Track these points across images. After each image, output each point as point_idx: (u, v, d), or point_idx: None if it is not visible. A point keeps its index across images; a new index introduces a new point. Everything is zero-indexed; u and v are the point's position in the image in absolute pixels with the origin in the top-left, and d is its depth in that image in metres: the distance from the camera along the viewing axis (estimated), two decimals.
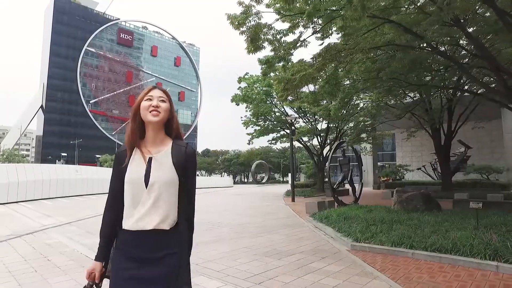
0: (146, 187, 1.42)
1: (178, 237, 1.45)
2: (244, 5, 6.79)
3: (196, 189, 1.53)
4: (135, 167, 1.45)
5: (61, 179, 18.86)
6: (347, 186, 14.69)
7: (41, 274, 4.13)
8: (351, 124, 19.60)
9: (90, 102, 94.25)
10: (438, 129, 15.82)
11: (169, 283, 1.38)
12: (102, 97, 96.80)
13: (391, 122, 16.72)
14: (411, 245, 5.17)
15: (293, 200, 16.23)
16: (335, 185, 12.57)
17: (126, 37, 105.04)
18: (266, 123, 22.22)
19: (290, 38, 8.45)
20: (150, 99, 1.50)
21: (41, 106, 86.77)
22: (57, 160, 66.48)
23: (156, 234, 1.40)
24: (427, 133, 16.40)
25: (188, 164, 1.50)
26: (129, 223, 1.42)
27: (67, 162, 67.05)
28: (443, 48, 9.49)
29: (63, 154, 71.18)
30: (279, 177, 75.43)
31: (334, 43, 7.78)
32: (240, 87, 21.44)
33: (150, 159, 1.45)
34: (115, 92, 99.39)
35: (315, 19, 7.62)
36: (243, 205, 15.17)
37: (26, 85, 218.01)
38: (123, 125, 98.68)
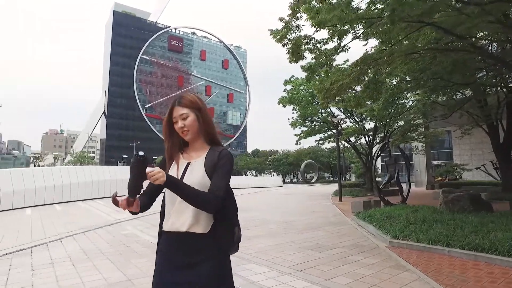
0: None
1: (215, 243, 1.48)
2: (284, 20, 7.40)
3: (224, 184, 1.48)
4: (174, 171, 1.54)
5: (120, 179, 21.03)
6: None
7: (125, 256, 5.15)
8: (401, 123, 19.22)
9: (146, 106, 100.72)
10: (496, 126, 14.93)
11: None
12: (156, 102, 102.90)
13: (447, 119, 16.01)
14: (448, 243, 5.39)
15: (340, 199, 16.45)
16: (381, 185, 12.66)
17: (176, 43, 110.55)
18: (313, 124, 22.52)
19: (330, 45, 8.88)
20: (176, 121, 1.55)
21: (104, 112, 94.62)
22: (118, 162, 72.25)
23: (191, 238, 1.45)
24: (484, 131, 15.55)
25: (218, 164, 1.50)
26: (167, 225, 1.52)
27: (128, 163, 72.60)
28: (490, 47, 9.24)
29: (124, 156, 77.15)
30: (329, 176, 74.51)
31: (370, 51, 8.07)
32: (286, 89, 22.02)
33: (188, 164, 1.54)
34: (167, 96, 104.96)
35: (355, 25, 7.98)
36: (291, 204, 15.75)
37: (93, 93, 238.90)
38: None
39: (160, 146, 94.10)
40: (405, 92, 13.61)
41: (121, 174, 20.83)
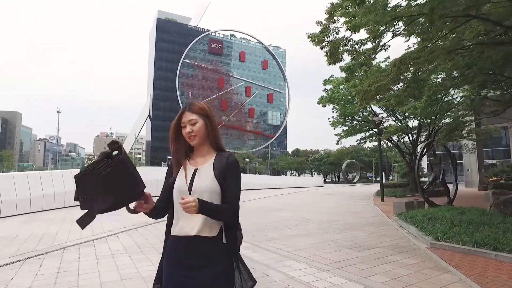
0: (190, 195, 1.51)
1: (222, 246, 1.52)
2: (321, 24, 7.51)
3: (239, 195, 1.57)
4: (182, 177, 1.58)
5: (161, 179, 22.23)
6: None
7: None
8: (448, 120, 18.31)
9: None
10: None
11: None
12: None
13: (502, 114, 14.98)
14: (496, 247, 5.21)
15: (382, 200, 16.09)
16: (425, 186, 12.25)
17: (216, 46, 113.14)
18: (354, 123, 22.16)
19: (369, 45, 8.81)
20: (184, 126, 1.60)
21: (149, 115, 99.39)
22: (162, 163, 75.56)
23: (200, 241, 1.49)
24: None
25: (228, 172, 1.55)
26: (175, 229, 1.55)
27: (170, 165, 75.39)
28: None
29: (168, 157, 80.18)
30: (372, 176, 72.27)
31: (413, 47, 7.91)
32: (325, 89, 21.87)
33: (195, 170, 1.58)
34: (208, 98, 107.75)
35: (395, 23, 7.87)
36: (331, 204, 15.69)
37: (141, 97, 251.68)
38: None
39: None
40: (451, 89, 13.00)
41: (161, 174, 22.00)
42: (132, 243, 6.38)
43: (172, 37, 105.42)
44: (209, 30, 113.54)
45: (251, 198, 18.75)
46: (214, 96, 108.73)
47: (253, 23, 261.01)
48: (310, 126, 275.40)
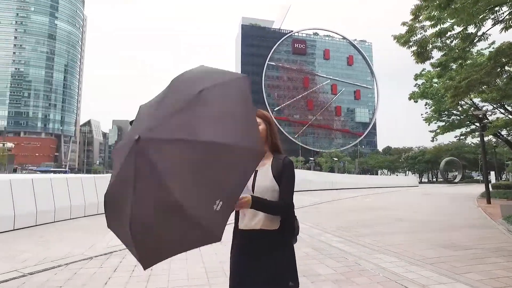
0: (253, 193, 1.68)
1: (283, 237, 1.72)
2: (407, 24, 7.50)
3: (292, 191, 1.73)
4: None
5: None
6: None
7: None
8: None
9: (274, 110, 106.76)
10: None
11: (276, 277, 1.67)
12: (284, 104, 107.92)
13: None
14: None
15: (488, 202, 14.62)
16: None
17: (300, 46, 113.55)
18: (451, 119, 20.38)
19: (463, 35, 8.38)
20: None
21: None
22: None
23: (264, 234, 1.68)
24: None
25: (284, 172, 1.71)
26: (242, 223, 1.74)
27: None
28: None
29: None
30: (478, 175, 64.02)
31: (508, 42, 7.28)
32: (417, 84, 20.61)
33: (256, 172, 1.73)
34: (294, 99, 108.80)
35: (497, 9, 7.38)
36: (427, 204, 14.93)
37: None
38: (304, 128, 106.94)
39: (289, 147, 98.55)
40: None
41: None
42: None
43: (256, 41, 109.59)
44: (292, 31, 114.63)
45: (341, 198, 18.82)
46: (300, 96, 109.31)
47: (336, 19, 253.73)
48: (402, 122, 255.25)
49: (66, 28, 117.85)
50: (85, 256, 5.15)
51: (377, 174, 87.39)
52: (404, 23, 7.56)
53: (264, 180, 1.71)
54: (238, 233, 1.78)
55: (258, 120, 1.77)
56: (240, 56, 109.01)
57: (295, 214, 1.85)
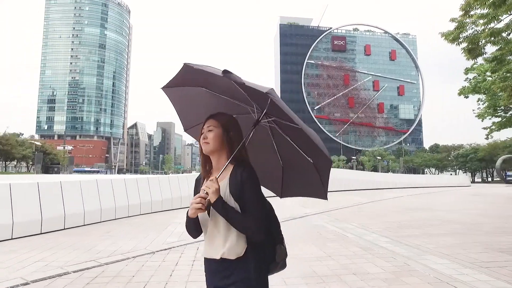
0: (209, 216, 1.46)
1: (250, 266, 1.42)
2: (456, 20, 7.27)
3: (260, 207, 1.45)
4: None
5: None
6: None
7: (321, 240, 6.59)
8: None
9: (315, 108, 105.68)
10: None
11: None
12: (324, 103, 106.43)
13: None
14: None
15: None
16: None
17: (339, 42, 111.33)
18: (508, 114, 19.03)
19: None
20: (202, 132, 1.54)
21: None
22: None
23: (226, 264, 1.42)
24: None
25: (243, 187, 1.43)
26: (204, 251, 1.52)
27: None
28: None
29: None
30: None
31: None
32: (467, 78, 19.50)
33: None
34: (335, 96, 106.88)
35: None
36: (480, 206, 14.17)
37: None
38: (345, 126, 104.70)
39: (329, 145, 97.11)
40: None
41: None
42: (283, 233, 7.62)
43: (295, 40, 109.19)
44: (331, 28, 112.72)
45: (385, 197, 18.37)
46: (340, 93, 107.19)
47: (376, 14, 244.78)
48: (450, 118, 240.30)
49: (114, 37, 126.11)
50: (148, 250, 5.68)
51: (423, 173, 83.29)
52: (452, 19, 7.34)
53: (222, 195, 1.43)
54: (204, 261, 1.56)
55: (210, 126, 1.53)
56: (279, 56, 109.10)
57: (281, 235, 1.62)
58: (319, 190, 1.76)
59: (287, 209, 11.88)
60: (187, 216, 1.47)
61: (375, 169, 75.85)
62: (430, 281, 4.11)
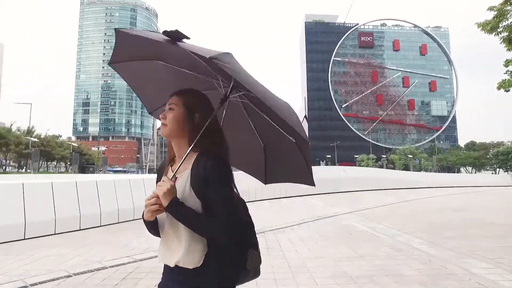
0: (166, 215, 1.23)
1: (206, 274, 1.20)
2: (495, 8, 6.88)
3: (227, 203, 1.19)
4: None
5: (331, 178, 23.09)
6: None
7: (351, 240, 6.48)
8: None
9: (342, 106, 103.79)
10: None
11: None
12: (352, 101, 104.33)
13: None
14: None
15: None
16: None
17: (366, 39, 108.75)
18: None
19: None
20: (163, 110, 1.31)
21: (305, 116, 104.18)
22: (321, 161, 77.95)
23: (183, 272, 1.21)
24: None
25: (208, 180, 1.18)
26: (159, 253, 1.31)
27: (328, 163, 77.47)
28: None
29: (327, 155, 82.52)
30: None
31: None
32: (508, 70, 18.37)
33: (175, 179, 1.25)
34: (363, 94, 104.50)
35: None
36: None
37: (295, 101, 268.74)
38: (374, 124, 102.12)
39: (358, 143, 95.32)
40: None
41: (331, 173, 23.09)
42: (314, 232, 7.53)
43: (320, 37, 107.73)
44: (358, 24, 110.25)
45: (419, 197, 17.72)
46: (369, 91, 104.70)
47: (404, 8, 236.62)
48: (487, 114, 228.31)
49: None
50: None
51: (459, 172, 79.66)
52: (491, 8, 6.96)
53: (181, 192, 1.21)
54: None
55: (172, 104, 1.27)
56: (305, 54, 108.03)
57: (255, 239, 1.36)
58: (306, 175, 1.55)
59: (318, 209, 11.78)
60: (143, 220, 1.25)
61: (406, 167, 73.35)
62: (471, 285, 3.92)
